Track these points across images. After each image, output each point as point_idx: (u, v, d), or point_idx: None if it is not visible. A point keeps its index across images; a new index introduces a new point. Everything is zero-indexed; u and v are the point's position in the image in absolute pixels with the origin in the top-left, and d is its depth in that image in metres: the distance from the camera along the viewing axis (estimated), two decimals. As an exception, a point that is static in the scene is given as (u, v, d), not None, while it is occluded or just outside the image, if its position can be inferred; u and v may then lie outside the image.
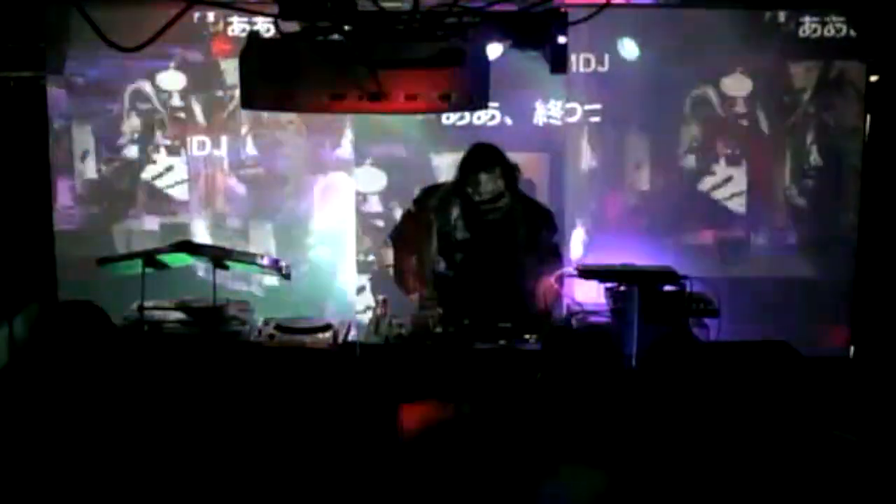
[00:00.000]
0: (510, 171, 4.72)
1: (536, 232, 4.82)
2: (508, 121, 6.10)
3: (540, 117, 6.14)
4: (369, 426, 4.09)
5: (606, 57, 6.07)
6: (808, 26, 6.11)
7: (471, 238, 4.77)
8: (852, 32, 6.06)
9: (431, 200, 4.87)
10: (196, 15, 5.89)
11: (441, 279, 4.78)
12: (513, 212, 4.75)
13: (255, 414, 4.10)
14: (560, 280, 4.81)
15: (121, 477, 3.64)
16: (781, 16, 6.10)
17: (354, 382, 4.21)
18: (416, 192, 5.10)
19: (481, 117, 6.10)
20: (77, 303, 4.22)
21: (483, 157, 4.70)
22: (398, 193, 6.00)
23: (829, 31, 6.09)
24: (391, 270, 4.96)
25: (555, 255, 4.88)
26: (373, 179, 6.22)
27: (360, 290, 6.16)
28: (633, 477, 3.79)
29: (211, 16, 5.94)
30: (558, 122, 6.15)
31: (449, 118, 6.08)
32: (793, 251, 6.28)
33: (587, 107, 6.16)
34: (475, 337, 4.32)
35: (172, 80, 6.15)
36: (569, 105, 6.14)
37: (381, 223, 6.07)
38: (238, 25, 6.06)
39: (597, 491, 3.70)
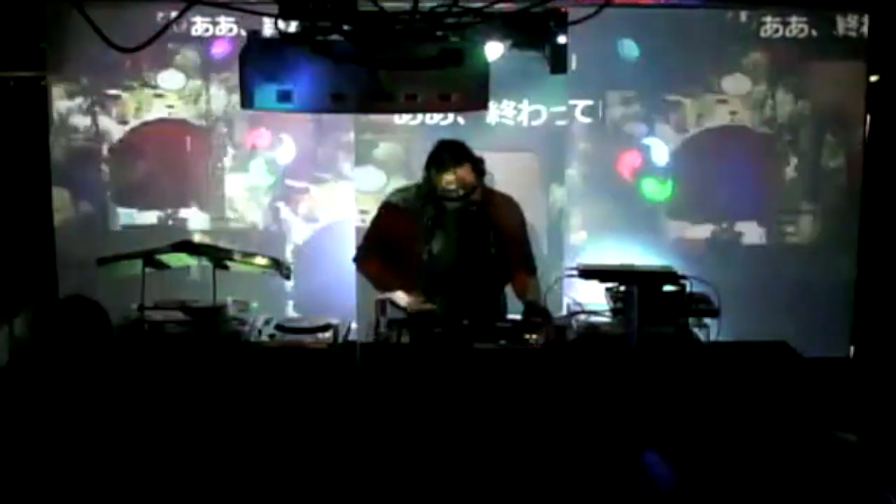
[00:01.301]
0: (478, 165, 4.71)
1: (512, 223, 4.83)
2: (461, 120, 6.11)
3: (493, 117, 6.15)
4: (369, 426, 4.09)
5: (574, 57, 6.06)
6: (796, 26, 6.12)
7: (448, 235, 4.75)
8: (847, 32, 6.07)
9: (403, 202, 4.84)
10: (160, 14, 5.87)
11: (426, 278, 4.75)
12: (484, 205, 4.75)
13: (256, 414, 4.10)
14: (533, 271, 4.82)
15: (121, 477, 3.64)
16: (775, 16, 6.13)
17: (354, 382, 4.20)
18: (384, 196, 5.09)
19: (434, 117, 6.11)
20: (75, 298, 4.22)
21: (451, 153, 4.68)
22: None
23: (823, 31, 6.10)
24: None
25: (528, 245, 4.89)
26: (373, 179, 6.22)
27: (360, 289, 6.16)
28: (634, 476, 3.79)
29: (173, 15, 5.90)
30: (511, 122, 6.16)
31: (402, 118, 6.11)
32: (793, 251, 6.28)
33: (553, 109, 6.18)
34: (475, 337, 4.32)
35: (172, 79, 6.16)
36: (532, 107, 6.17)
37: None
38: (201, 25, 6.05)
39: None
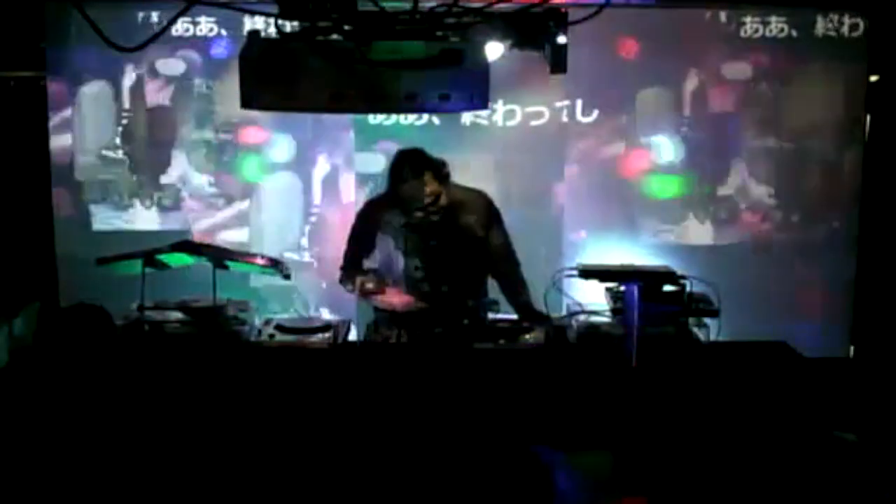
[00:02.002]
0: (441, 169, 4.68)
1: (482, 218, 4.80)
2: (436, 120, 6.10)
3: (467, 117, 6.13)
4: (369, 426, 4.09)
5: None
6: (775, 25, 6.12)
7: (419, 244, 4.72)
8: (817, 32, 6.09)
9: (372, 216, 4.82)
10: (140, 14, 5.88)
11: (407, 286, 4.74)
12: (453, 208, 4.72)
13: (256, 414, 4.10)
14: (516, 263, 4.80)
15: (121, 477, 3.64)
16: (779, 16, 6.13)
17: (354, 382, 4.20)
18: (359, 207, 5.08)
19: (408, 117, 6.09)
20: (81, 306, 4.22)
21: (412, 163, 4.63)
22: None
23: (821, 31, 6.10)
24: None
25: (506, 236, 4.87)
26: (375, 177, 6.23)
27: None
28: (633, 476, 3.79)
29: (155, 16, 5.91)
30: (485, 123, 6.14)
31: (376, 118, 6.09)
32: (793, 251, 6.29)
33: (528, 109, 6.16)
34: (475, 337, 4.32)
35: (173, 66, 6.16)
36: (507, 107, 6.15)
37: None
38: (181, 25, 6.03)
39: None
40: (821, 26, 6.11)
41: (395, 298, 4.66)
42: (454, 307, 4.54)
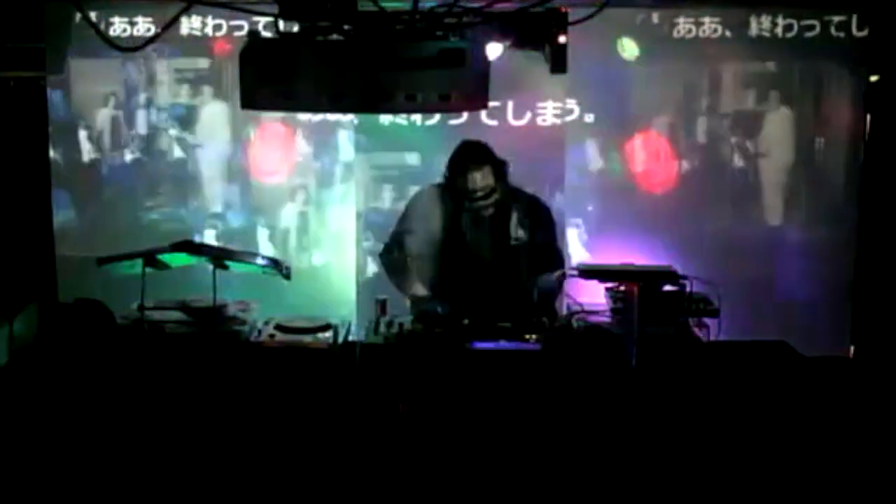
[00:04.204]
0: (500, 167, 4.74)
1: (532, 226, 4.84)
2: (351, 118, 6.07)
3: (386, 118, 6.10)
4: (369, 426, 4.09)
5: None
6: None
7: (466, 236, 4.79)
8: (728, 33, 6.07)
9: (425, 201, 4.89)
10: (77, 16, 5.83)
11: (439, 279, 4.79)
12: (505, 207, 4.77)
13: (256, 414, 4.10)
14: (560, 278, 4.82)
15: (121, 476, 3.64)
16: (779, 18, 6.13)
17: (354, 382, 4.21)
18: (411, 194, 5.13)
19: (331, 116, 6.03)
20: (82, 301, 4.23)
21: (472, 154, 4.72)
22: (399, 192, 6.01)
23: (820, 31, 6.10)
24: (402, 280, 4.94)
25: (552, 250, 4.90)
26: (374, 178, 6.23)
27: (360, 289, 6.16)
28: (633, 477, 3.80)
29: (93, 15, 5.83)
30: (404, 123, 6.11)
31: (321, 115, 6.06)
32: (792, 251, 6.28)
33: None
34: (475, 337, 4.32)
35: (172, 74, 6.16)
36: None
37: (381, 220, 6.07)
38: (119, 26, 5.98)
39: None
40: (816, 28, 6.11)
41: (417, 292, 4.77)
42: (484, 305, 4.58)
